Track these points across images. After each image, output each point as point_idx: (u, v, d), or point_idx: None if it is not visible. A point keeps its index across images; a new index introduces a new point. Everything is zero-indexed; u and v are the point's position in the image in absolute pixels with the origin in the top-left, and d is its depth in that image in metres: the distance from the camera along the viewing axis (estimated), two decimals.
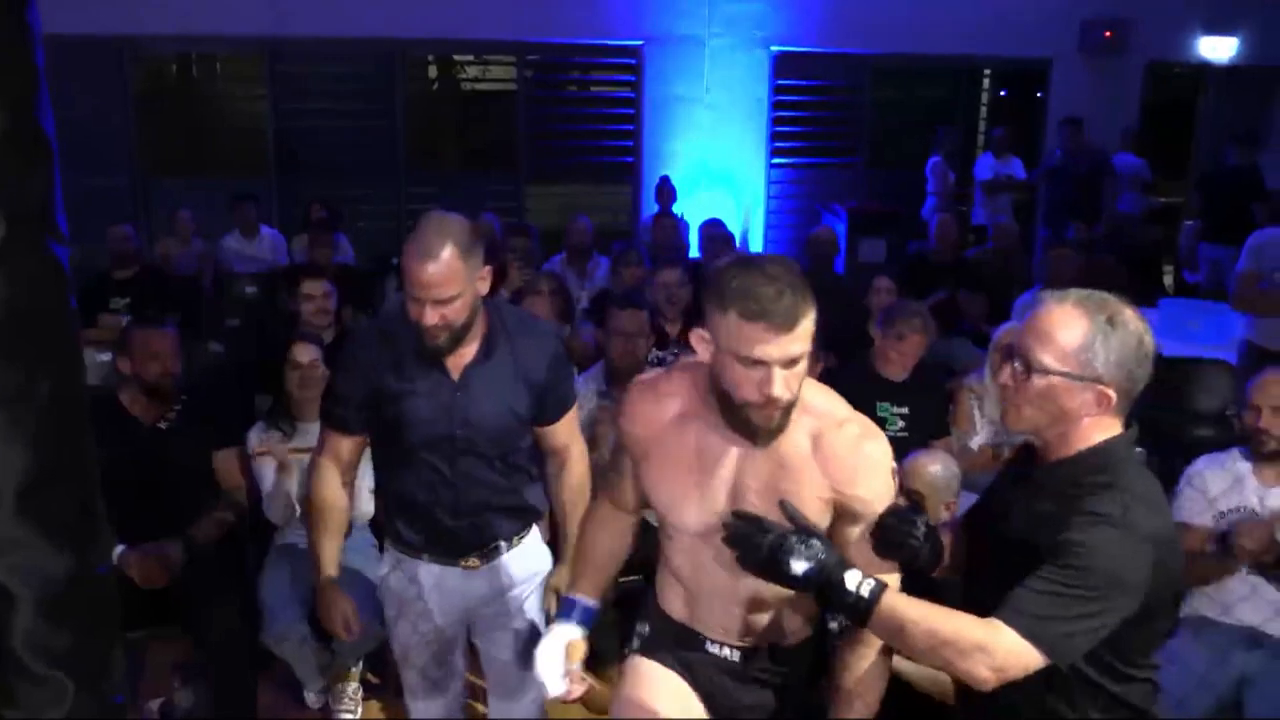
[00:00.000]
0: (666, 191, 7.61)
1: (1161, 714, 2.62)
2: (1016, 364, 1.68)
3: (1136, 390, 1.66)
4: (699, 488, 1.80)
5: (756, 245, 8.55)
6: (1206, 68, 9.74)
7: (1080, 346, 1.62)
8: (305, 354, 3.34)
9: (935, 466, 2.91)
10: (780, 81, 8.44)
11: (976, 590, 1.78)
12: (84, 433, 0.80)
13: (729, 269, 1.65)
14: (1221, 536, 2.79)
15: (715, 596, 1.90)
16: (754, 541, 1.62)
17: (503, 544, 2.45)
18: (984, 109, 9.96)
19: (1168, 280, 8.57)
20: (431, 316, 2.15)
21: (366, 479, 3.35)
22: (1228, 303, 5.42)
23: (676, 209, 7.62)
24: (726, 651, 1.93)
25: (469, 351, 2.28)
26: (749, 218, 8.54)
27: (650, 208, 7.96)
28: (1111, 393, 1.63)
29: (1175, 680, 2.72)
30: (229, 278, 6.17)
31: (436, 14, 7.48)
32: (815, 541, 1.61)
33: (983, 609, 1.62)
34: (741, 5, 8.17)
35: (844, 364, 4.19)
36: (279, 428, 3.35)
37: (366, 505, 3.32)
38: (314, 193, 7.11)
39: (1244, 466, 2.90)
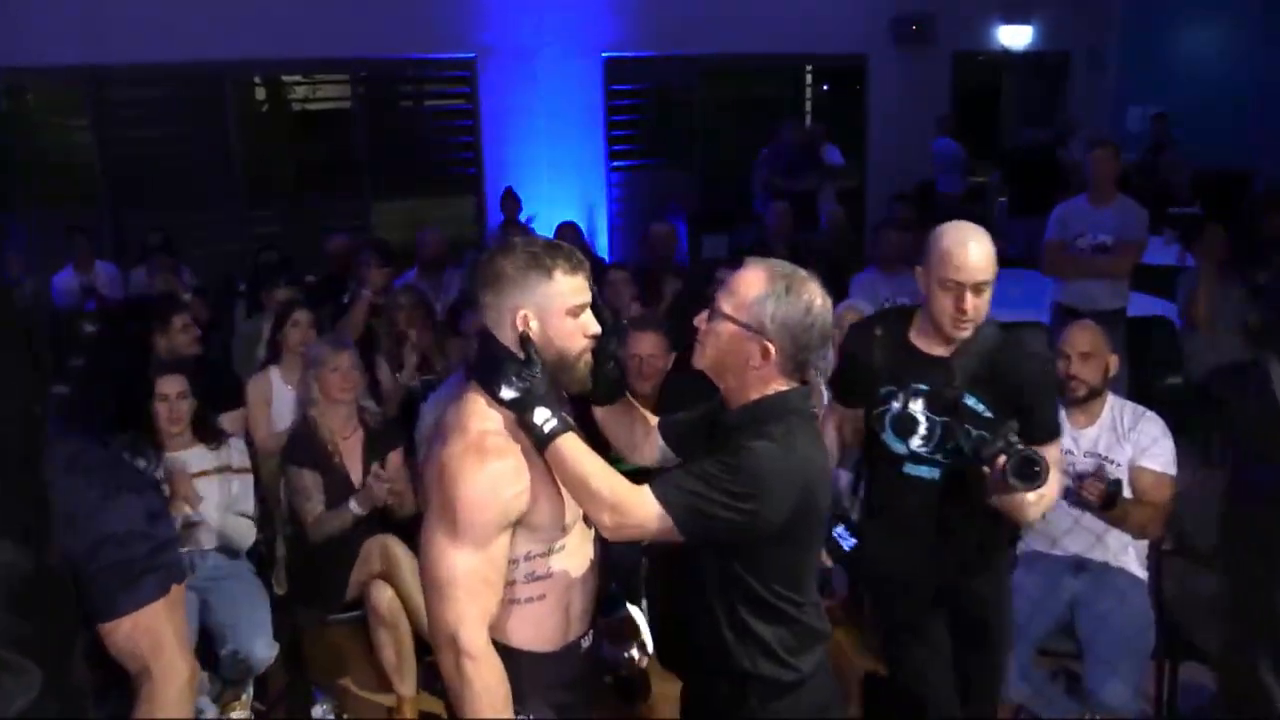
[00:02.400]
0: (512, 201, 7.70)
1: (1018, 640, 2.93)
2: (709, 309, 1.89)
3: (804, 356, 1.84)
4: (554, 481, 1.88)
5: (602, 248, 8.74)
6: (1007, 55, 10.46)
7: (753, 301, 1.81)
8: (172, 386, 3.32)
9: None
10: (613, 87, 8.65)
11: None
12: (38, 444, 0.88)
13: (519, 247, 1.79)
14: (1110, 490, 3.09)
15: (586, 581, 1.95)
16: (491, 362, 1.78)
17: None
18: (809, 104, 10.40)
19: None
20: None
21: (247, 505, 3.37)
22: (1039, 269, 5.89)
23: (523, 216, 7.73)
24: (588, 639, 2.00)
25: None
26: (594, 221, 8.71)
27: (496, 218, 8.04)
28: (773, 349, 1.80)
29: (1016, 608, 3.02)
30: (67, 316, 5.95)
31: (263, 34, 7.35)
32: (532, 376, 1.75)
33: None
34: (569, 14, 8.33)
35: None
36: (143, 460, 3.29)
37: (249, 531, 3.36)
38: (148, 223, 6.91)
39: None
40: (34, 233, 6.83)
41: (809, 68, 10.19)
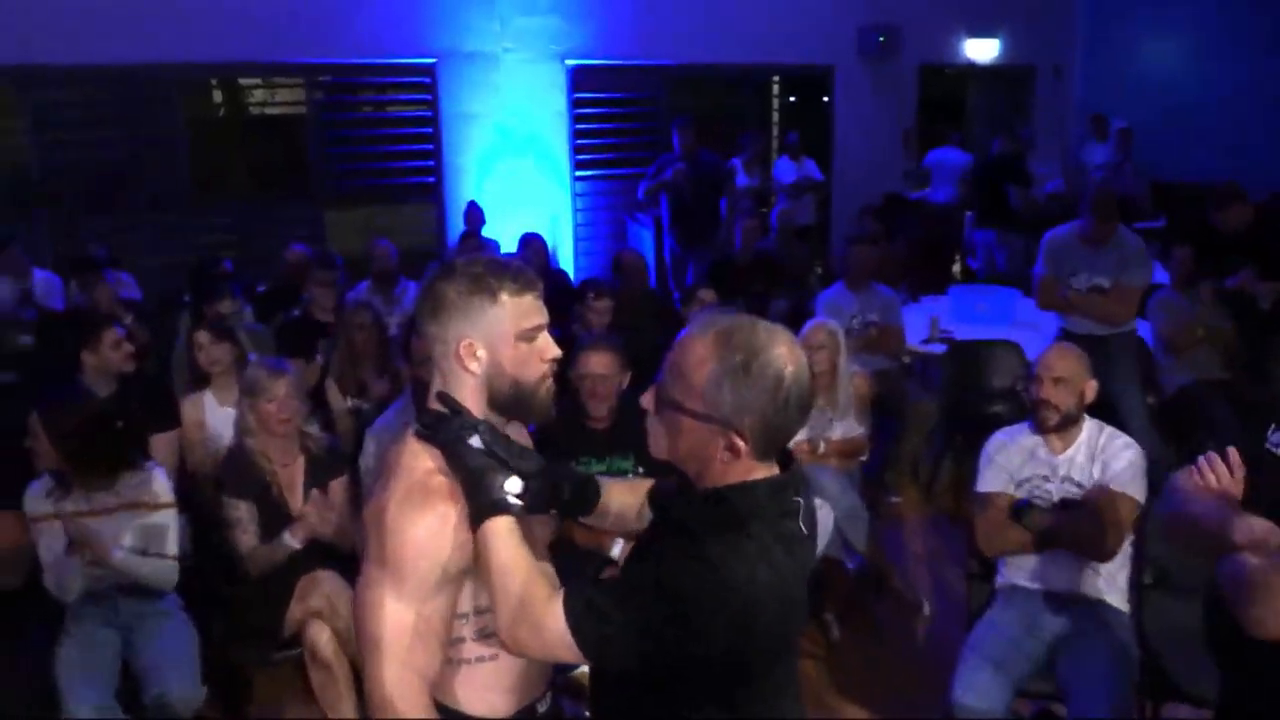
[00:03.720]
0: (474, 216, 7.52)
1: (982, 679, 2.78)
2: (654, 388, 1.57)
3: (781, 435, 1.49)
4: None
5: (566, 259, 8.56)
6: (972, 68, 10.43)
7: (707, 385, 1.46)
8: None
9: None
10: (579, 95, 8.49)
11: None
12: None
13: (460, 269, 1.61)
14: (1016, 509, 2.96)
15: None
16: (450, 424, 1.58)
17: None
18: (775, 114, 10.31)
19: (955, 268, 9.11)
20: None
21: (166, 544, 3.13)
22: (1005, 285, 5.78)
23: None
24: (545, 702, 1.82)
25: None
26: (557, 231, 8.54)
27: (456, 226, 7.85)
28: (740, 440, 1.46)
29: (992, 646, 2.87)
30: (1, 327, 5.67)
31: (218, 37, 7.12)
32: (501, 441, 1.58)
33: None
34: (534, 19, 8.17)
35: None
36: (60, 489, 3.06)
37: (168, 574, 3.13)
38: (94, 230, 6.64)
39: (1035, 439, 3.10)
40: None
41: (776, 78, 10.09)
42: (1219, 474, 1.82)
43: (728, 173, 7.61)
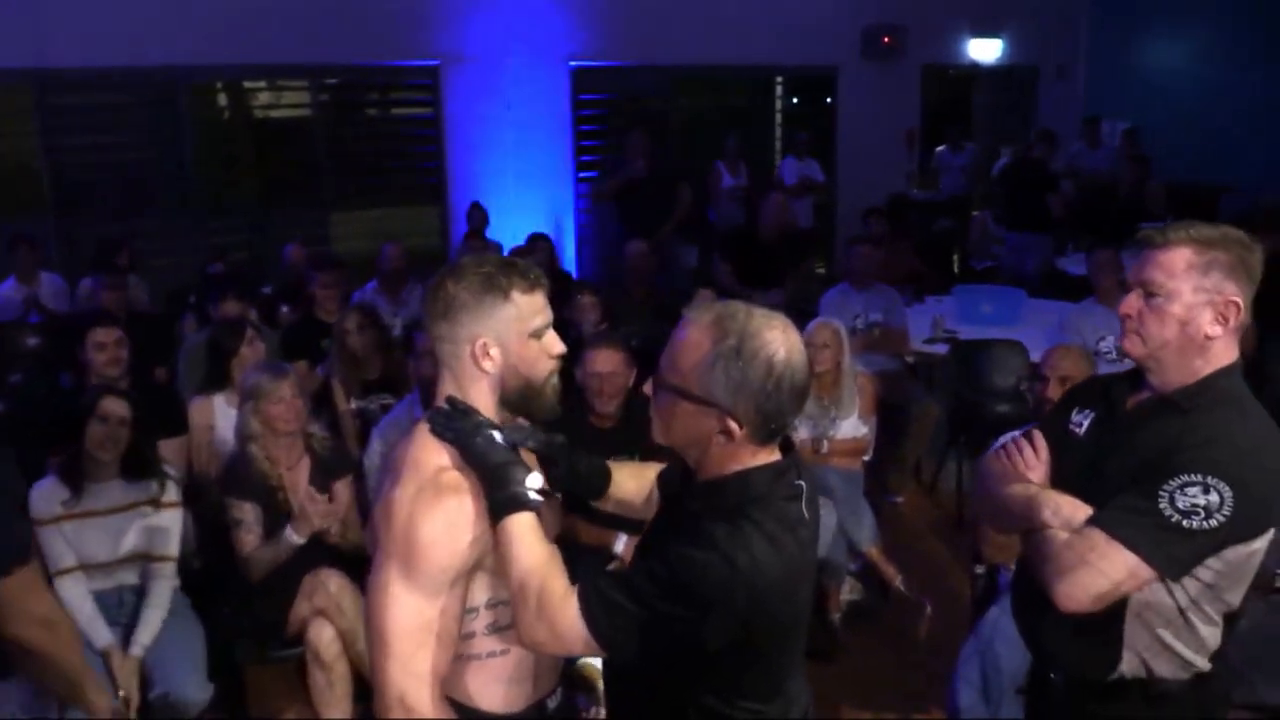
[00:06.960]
0: (478, 216, 7.53)
1: (981, 677, 2.78)
2: (653, 376, 1.61)
3: (776, 419, 1.51)
4: None
5: (569, 260, 8.57)
6: (975, 68, 10.42)
7: (700, 369, 1.49)
8: (118, 408, 3.07)
9: None
10: (581, 96, 8.50)
11: None
12: None
13: (470, 269, 1.61)
14: None
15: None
16: (460, 423, 1.60)
17: None
18: (779, 115, 10.31)
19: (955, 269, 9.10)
20: None
21: (168, 546, 3.15)
22: (1023, 289, 5.77)
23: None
24: (555, 698, 1.83)
25: None
26: (560, 232, 8.55)
27: (461, 227, 7.87)
28: (734, 424, 1.49)
29: (992, 646, 2.88)
30: (8, 329, 5.70)
31: (221, 40, 7.13)
32: (510, 437, 1.61)
33: None
34: (536, 22, 8.17)
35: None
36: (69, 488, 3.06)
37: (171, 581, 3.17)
38: (99, 233, 6.66)
39: None
40: None
41: (779, 78, 10.10)
42: (1025, 456, 1.92)
43: (680, 185, 7.62)
